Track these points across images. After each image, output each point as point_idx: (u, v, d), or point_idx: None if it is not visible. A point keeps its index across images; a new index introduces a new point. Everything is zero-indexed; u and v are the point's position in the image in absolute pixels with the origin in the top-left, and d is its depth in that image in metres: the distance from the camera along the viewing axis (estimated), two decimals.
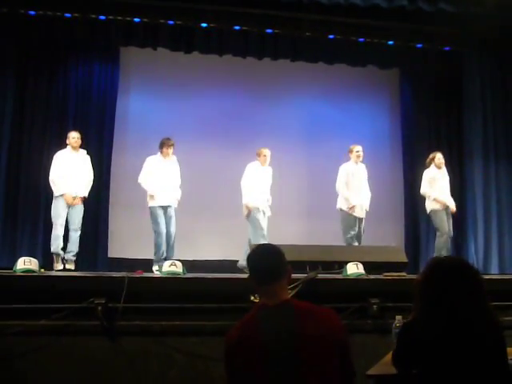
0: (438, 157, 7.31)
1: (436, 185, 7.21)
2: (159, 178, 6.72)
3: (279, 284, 2.26)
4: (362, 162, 7.29)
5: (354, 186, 7.08)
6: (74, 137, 6.68)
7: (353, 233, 6.95)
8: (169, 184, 6.74)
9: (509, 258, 8.30)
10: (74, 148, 6.68)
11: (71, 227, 6.62)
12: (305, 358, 2.06)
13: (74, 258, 6.57)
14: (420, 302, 2.29)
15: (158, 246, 6.56)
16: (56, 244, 6.48)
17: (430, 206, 7.21)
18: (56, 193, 6.56)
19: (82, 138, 6.76)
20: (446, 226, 7.15)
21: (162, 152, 6.82)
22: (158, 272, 6.17)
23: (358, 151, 7.21)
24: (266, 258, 2.33)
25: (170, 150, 6.82)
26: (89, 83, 8.23)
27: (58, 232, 6.49)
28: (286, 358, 2.07)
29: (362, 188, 7.16)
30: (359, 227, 7.06)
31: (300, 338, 2.08)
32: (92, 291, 4.26)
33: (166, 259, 6.22)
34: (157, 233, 6.58)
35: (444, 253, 6.90)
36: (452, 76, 8.92)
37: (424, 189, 7.23)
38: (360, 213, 7.03)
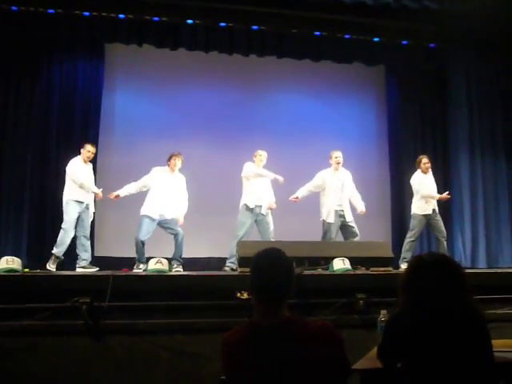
0: (424, 161, 7.22)
1: (424, 187, 7.20)
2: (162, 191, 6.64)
3: (282, 304, 2.08)
4: (343, 166, 7.18)
5: (331, 192, 7.01)
6: (90, 151, 6.62)
7: (329, 240, 6.89)
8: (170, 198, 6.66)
9: (495, 252, 8.39)
10: (85, 162, 6.65)
11: (83, 234, 6.50)
12: (303, 382, 1.95)
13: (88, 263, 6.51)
14: (404, 297, 2.31)
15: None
16: (62, 248, 6.34)
17: (413, 208, 7.22)
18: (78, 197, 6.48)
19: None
20: (418, 232, 7.20)
21: (168, 164, 6.74)
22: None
23: (337, 157, 7.09)
24: (274, 274, 2.08)
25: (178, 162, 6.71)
26: (73, 80, 8.14)
27: (67, 237, 6.37)
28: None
29: (346, 193, 7.11)
30: (349, 233, 6.98)
31: (296, 365, 1.95)
32: (77, 290, 4.22)
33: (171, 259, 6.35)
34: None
35: (407, 256, 6.91)
36: (437, 73, 8.99)
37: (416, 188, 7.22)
38: (335, 219, 6.92)
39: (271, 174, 7.01)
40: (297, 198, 7.03)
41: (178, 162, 6.70)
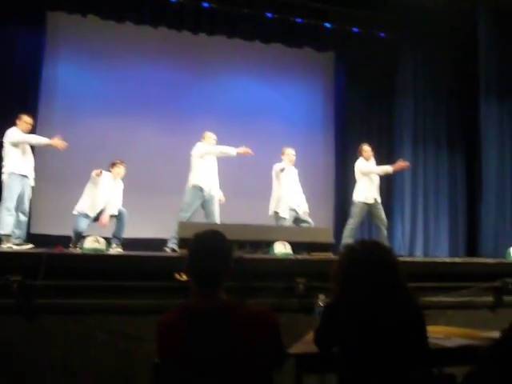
0: (365, 149, 7.24)
1: (365, 176, 7.24)
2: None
3: (218, 287, 2.05)
4: (294, 166, 7.18)
5: (287, 187, 6.98)
6: (28, 122, 6.16)
7: None
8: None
9: (433, 242, 8.66)
10: (25, 132, 6.17)
11: (21, 210, 6.05)
12: (238, 366, 1.92)
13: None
14: (337, 286, 2.30)
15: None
16: (8, 228, 5.85)
17: (354, 195, 7.25)
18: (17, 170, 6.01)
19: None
20: (359, 220, 7.26)
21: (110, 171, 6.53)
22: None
23: (290, 154, 7.09)
24: (211, 256, 2.05)
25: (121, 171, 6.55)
26: (11, 50, 7.64)
27: (11, 216, 5.90)
28: (218, 369, 1.92)
29: (297, 190, 7.12)
30: (303, 223, 6.94)
31: (232, 350, 1.92)
32: (8, 268, 4.02)
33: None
34: None
35: (348, 241, 6.96)
36: (386, 62, 9.06)
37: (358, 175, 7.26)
38: (289, 213, 6.91)
39: (233, 150, 6.71)
40: (283, 169, 6.91)
41: (121, 171, 6.59)
